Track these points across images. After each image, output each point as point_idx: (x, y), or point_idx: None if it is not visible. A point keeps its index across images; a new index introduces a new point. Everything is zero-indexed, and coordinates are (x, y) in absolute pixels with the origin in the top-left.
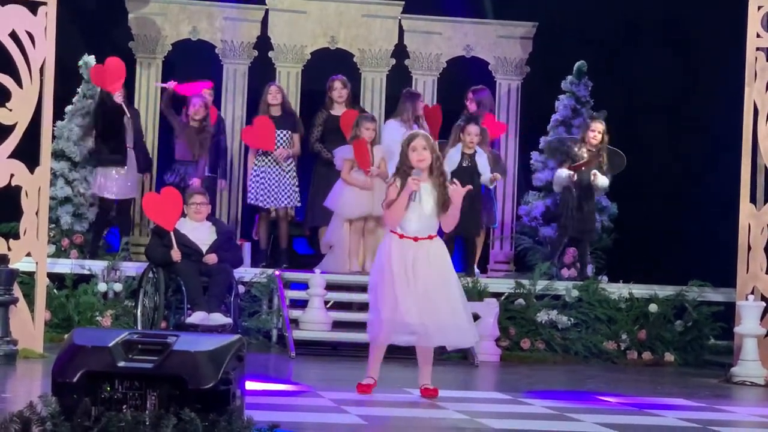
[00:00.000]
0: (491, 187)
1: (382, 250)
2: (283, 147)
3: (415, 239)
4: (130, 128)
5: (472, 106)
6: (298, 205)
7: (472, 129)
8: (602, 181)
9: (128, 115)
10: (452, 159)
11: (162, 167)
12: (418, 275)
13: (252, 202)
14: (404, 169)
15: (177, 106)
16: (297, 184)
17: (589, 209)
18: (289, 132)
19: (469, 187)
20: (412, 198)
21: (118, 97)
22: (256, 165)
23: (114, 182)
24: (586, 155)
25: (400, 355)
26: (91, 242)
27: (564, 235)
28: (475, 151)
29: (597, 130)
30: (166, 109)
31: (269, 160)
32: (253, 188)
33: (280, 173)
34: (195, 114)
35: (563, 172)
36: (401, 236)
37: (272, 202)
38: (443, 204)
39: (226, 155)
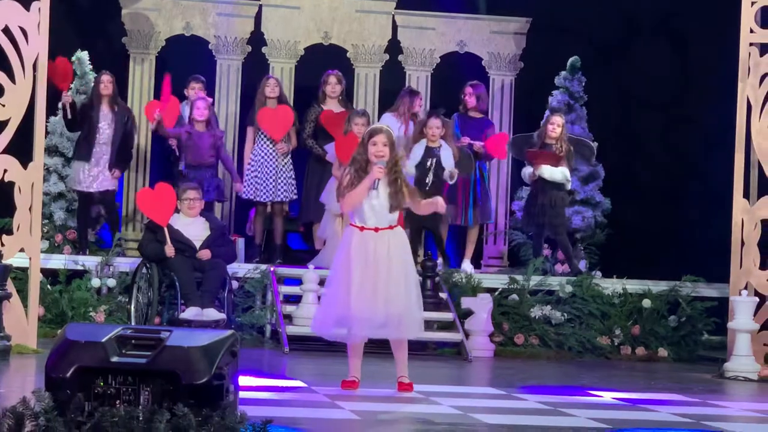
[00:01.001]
0: (451, 182)
1: (343, 245)
2: (283, 142)
3: (376, 230)
4: (108, 124)
5: (471, 101)
6: (295, 197)
7: (434, 122)
8: (548, 172)
9: (69, 116)
10: (415, 153)
11: (156, 166)
12: (379, 267)
13: (248, 196)
14: (359, 160)
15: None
16: (294, 177)
17: (551, 203)
18: None
19: (443, 210)
20: (374, 186)
21: (66, 96)
22: (252, 160)
23: (80, 175)
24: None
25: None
26: (78, 239)
27: (537, 232)
28: (440, 145)
29: (556, 123)
30: (165, 131)
31: (265, 154)
32: (249, 183)
33: (277, 167)
34: (200, 116)
35: (527, 170)
36: (362, 228)
37: (269, 195)
38: (395, 203)
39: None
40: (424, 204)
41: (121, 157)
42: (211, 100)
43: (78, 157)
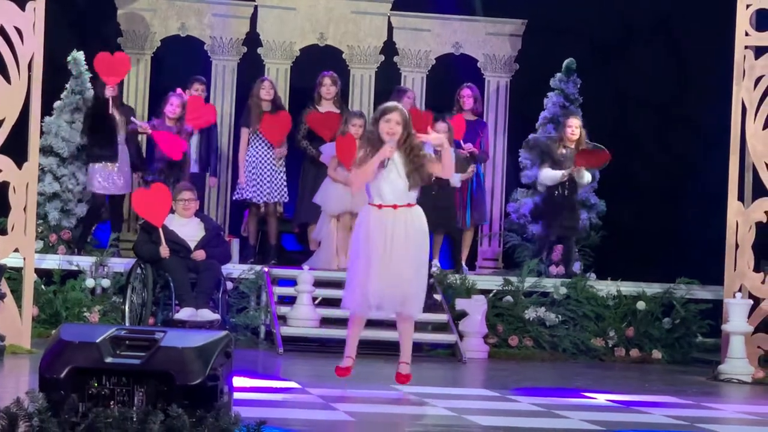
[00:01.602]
0: (458, 185)
1: (360, 223)
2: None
3: (395, 207)
4: (123, 125)
5: (468, 102)
6: (286, 200)
7: (441, 126)
8: (587, 176)
9: (116, 110)
10: None
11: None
12: (396, 244)
13: (244, 196)
14: (370, 136)
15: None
16: (285, 179)
17: (574, 206)
18: None
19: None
20: (384, 164)
21: (110, 91)
22: (247, 161)
23: (106, 178)
24: (566, 152)
25: (388, 351)
26: (79, 237)
27: (551, 233)
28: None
29: (574, 126)
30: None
31: (260, 156)
32: (246, 184)
33: (272, 168)
34: (172, 113)
35: (555, 173)
36: (380, 206)
37: (264, 196)
38: (414, 182)
39: (217, 151)
40: (439, 164)
41: (141, 157)
42: (186, 97)
43: (99, 159)
